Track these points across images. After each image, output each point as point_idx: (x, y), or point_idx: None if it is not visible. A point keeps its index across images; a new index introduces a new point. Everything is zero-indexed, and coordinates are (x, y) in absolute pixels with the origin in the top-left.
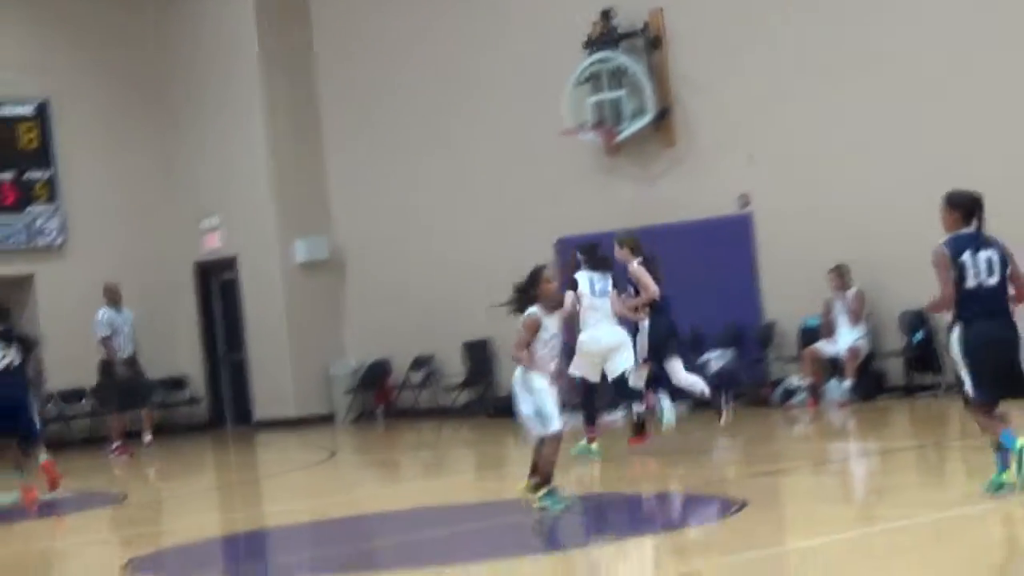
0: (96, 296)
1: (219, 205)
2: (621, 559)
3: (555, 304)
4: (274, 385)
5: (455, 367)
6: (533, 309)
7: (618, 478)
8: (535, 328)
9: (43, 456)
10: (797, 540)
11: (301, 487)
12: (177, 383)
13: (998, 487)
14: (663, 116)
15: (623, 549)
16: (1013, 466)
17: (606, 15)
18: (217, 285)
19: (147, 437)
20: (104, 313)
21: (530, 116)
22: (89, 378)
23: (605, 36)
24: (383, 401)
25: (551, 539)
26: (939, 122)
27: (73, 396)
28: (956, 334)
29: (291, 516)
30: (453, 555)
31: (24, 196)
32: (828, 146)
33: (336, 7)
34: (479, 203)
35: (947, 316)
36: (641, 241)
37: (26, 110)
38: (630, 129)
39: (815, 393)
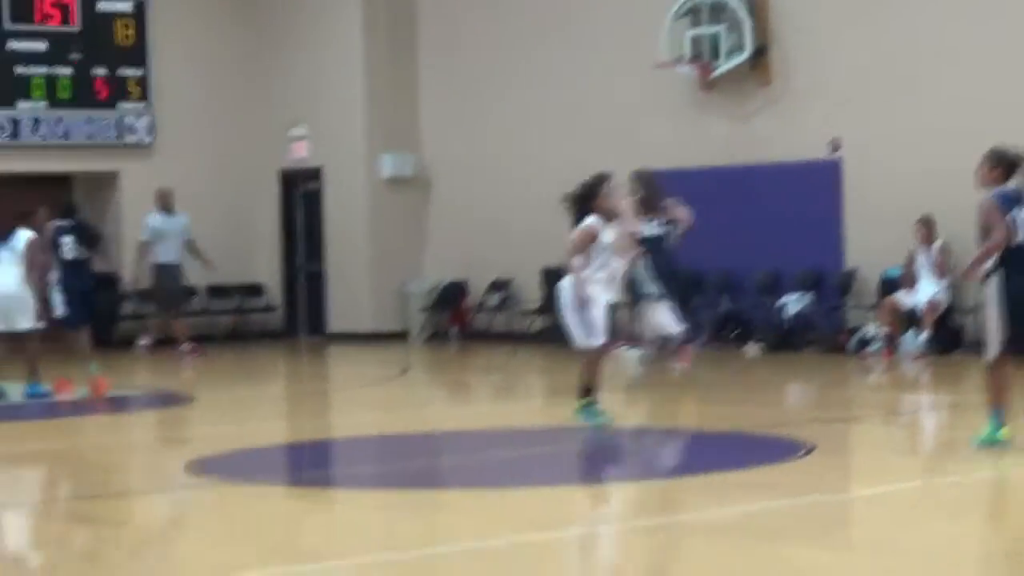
0: (182, 197)
1: (308, 115)
2: (683, 492)
3: (612, 216)
4: (350, 299)
5: (532, 292)
6: (591, 218)
7: (687, 413)
8: (591, 237)
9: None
10: (863, 487)
11: (370, 401)
12: (254, 290)
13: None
14: (760, 54)
15: (685, 484)
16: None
17: None
18: (300, 195)
19: (184, 345)
20: (152, 218)
21: (626, 46)
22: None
23: None
24: (458, 322)
25: (614, 469)
26: None
27: (149, 294)
28: (995, 285)
29: (357, 428)
30: (515, 478)
31: (116, 92)
32: (924, 97)
33: None
34: (568, 131)
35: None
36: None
37: (124, 6)
38: (726, 65)
39: (891, 344)
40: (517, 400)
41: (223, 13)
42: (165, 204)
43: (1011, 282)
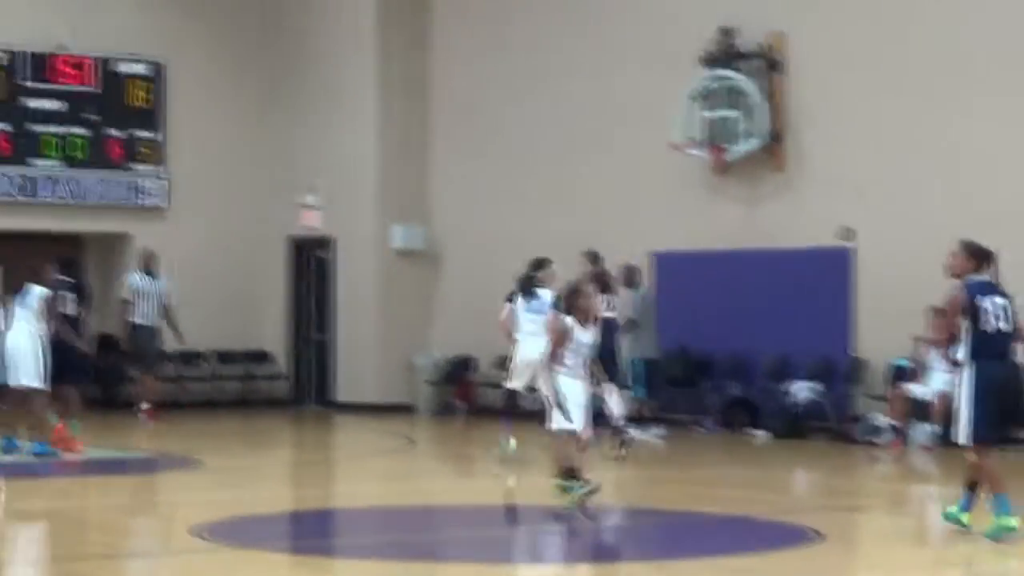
0: (193, 260)
1: (319, 183)
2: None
3: (588, 317)
4: (357, 369)
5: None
6: (566, 318)
7: (693, 496)
8: (562, 336)
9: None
10: None
11: (374, 472)
12: (261, 357)
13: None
14: (775, 140)
15: (691, 567)
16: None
17: (726, 33)
18: (309, 263)
19: (143, 404)
20: (133, 278)
21: (638, 125)
22: (165, 341)
23: (723, 54)
24: (464, 396)
25: (621, 550)
26: None
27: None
28: (968, 374)
29: (361, 499)
30: (514, 555)
31: (130, 154)
32: (936, 189)
33: (460, 3)
34: (580, 209)
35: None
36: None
37: (141, 69)
38: (741, 150)
39: (900, 434)
40: (521, 475)
41: (238, 80)
42: (147, 265)
43: (983, 369)
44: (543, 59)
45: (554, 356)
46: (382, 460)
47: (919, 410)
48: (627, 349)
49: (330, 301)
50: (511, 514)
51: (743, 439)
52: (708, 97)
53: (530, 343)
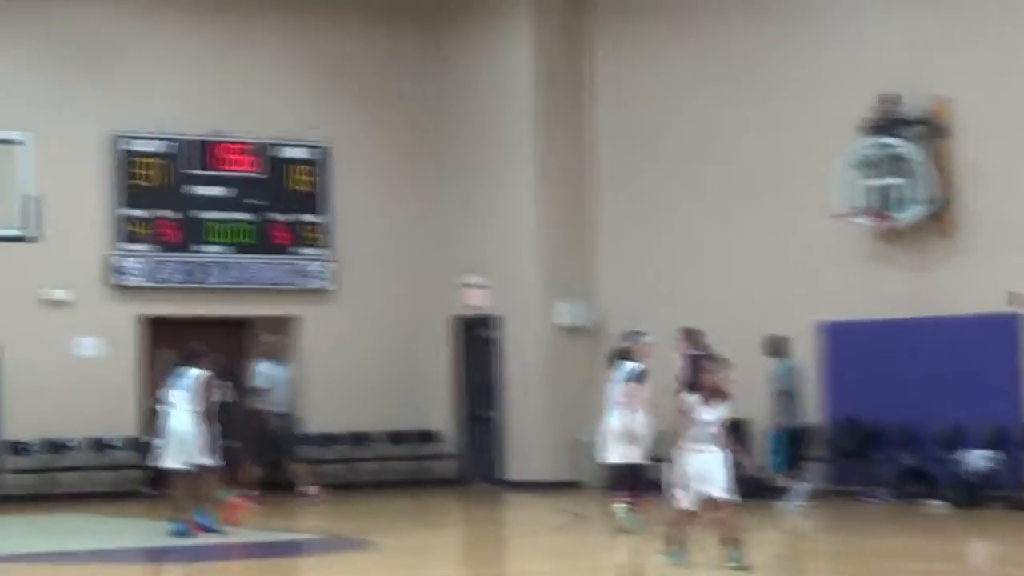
0: (360, 341)
1: (483, 262)
2: None
3: (714, 394)
4: (524, 446)
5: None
6: (691, 396)
7: (874, 569)
8: (687, 413)
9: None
10: None
11: (544, 548)
12: (429, 436)
13: None
14: (942, 206)
15: None
16: None
17: (888, 100)
18: (476, 341)
19: (309, 489)
20: (261, 366)
21: (799, 195)
22: (347, 423)
23: (885, 121)
24: None
25: None
26: None
27: (326, 440)
28: None
29: None
30: None
31: (296, 239)
32: None
33: (614, 73)
34: (745, 282)
35: None
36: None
37: (305, 154)
38: (907, 217)
39: None
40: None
41: (401, 161)
42: (272, 353)
43: None
44: (704, 134)
45: (677, 434)
46: (551, 537)
47: None
48: (773, 419)
49: (496, 379)
50: None
51: (918, 509)
52: (870, 165)
53: (615, 414)
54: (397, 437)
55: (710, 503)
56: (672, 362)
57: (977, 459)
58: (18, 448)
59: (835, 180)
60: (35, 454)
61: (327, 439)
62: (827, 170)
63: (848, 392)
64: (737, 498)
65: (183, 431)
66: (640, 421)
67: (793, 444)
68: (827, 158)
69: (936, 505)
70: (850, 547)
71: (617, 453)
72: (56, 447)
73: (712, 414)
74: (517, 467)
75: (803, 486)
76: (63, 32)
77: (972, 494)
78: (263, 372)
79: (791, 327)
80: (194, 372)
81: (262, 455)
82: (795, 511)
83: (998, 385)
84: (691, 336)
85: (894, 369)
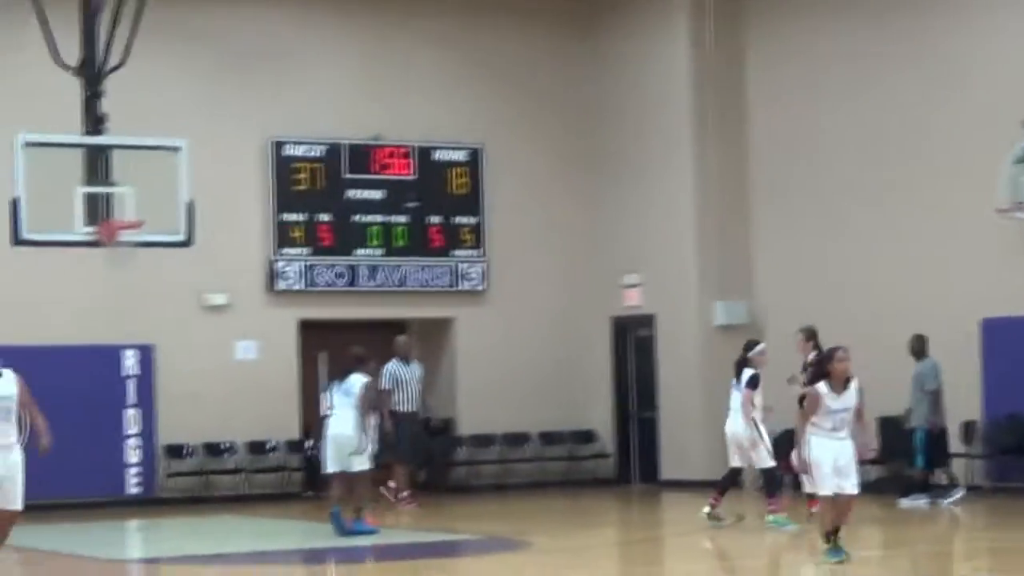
0: (514, 342)
1: (640, 262)
2: None
3: (842, 383)
4: (682, 445)
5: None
6: (819, 385)
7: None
8: (814, 403)
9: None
10: None
11: (703, 549)
12: (585, 436)
13: None
14: None
15: None
16: None
17: None
18: (632, 341)
19: (402, 493)
20: (390, 367)
21: (961, 190)
22: (504, 424)
23: None
24: (791, 468)
25: None
26: None
27: (483, 440)
28: None
29: None
30: None
31: (450, 241)
32: None
33: (771, 71)
34: (901, 276)
35: None
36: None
37: (459, 155)
38: None
39: None
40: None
41: (555, 163)
42: (401, 353)
43: None
44: (861, 129)
45: (805, 423)
46: (707, 536)
47: None
48: (916, 419)
49: (653, 379)
50: None
51: None
52: None
53: (728, 419)
54: (553, 437)
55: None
56: (797, 360)
57: None
58: (176, 451)
59: (998, 175)
60: (193, 457)
61: (483, 440)
62: (989, 167)
63: (1009, 388)
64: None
65: (344, 436)
66: (756, 425)
67: (939, 443)
68: (990, 155)
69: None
70: (1011, 543)
71: (736, 458)
72: (214, 450)
73: (840, 403)
74: (674, 466)
75: (955, 485)
76: (221, 40)
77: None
78: (390, 371)
79: (952, 324)
80: (355, 377)
81: (399, 454)
82: (948, 508)
83: None
84: (810, 334)
85: None
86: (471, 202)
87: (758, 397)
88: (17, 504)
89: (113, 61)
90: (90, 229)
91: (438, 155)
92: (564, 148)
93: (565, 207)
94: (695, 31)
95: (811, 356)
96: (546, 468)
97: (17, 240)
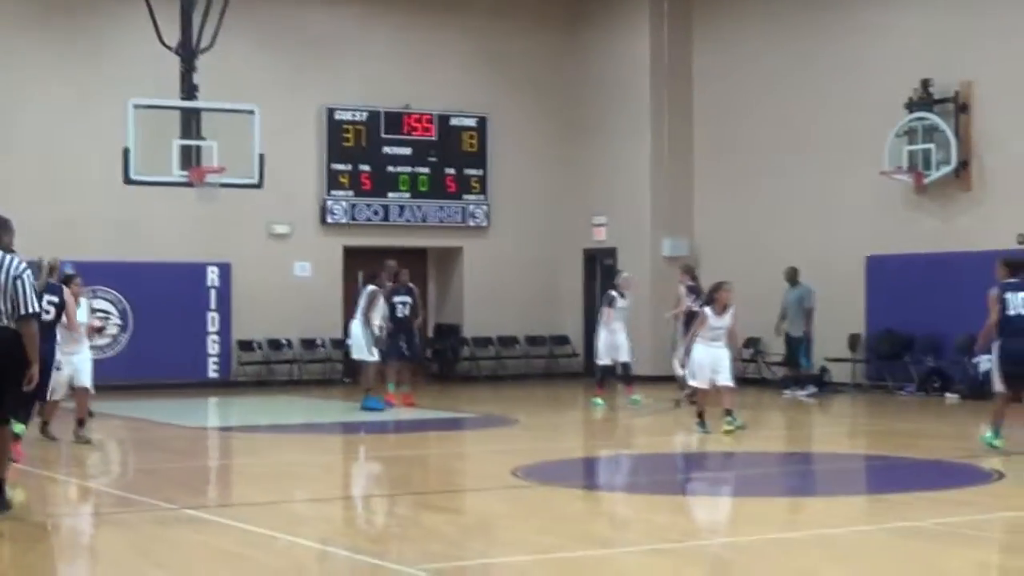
0: (510, 266)
1: (606, 206)
2: (906, 506)
3: (722, 308)
4: (635, 346)
5: (778, 348)
6: (706, 308)
7: (899, 445)
8: (702, 320)
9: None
10: None
11: (649, 427)
12: (562, 339)
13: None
14: (964, 166)
15: (907, 498)
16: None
17: (925, 84)
18: (599, 268)
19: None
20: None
21: (855, 156)
22: (499, 329)
23: (923, 100)
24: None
25: (847, 486)
26: None
27: (483, 342)
28: (995, 348)
29: (639, 448)
30: (763, 490)
31: (461, 187)
32: None
33: (712, 58)
34: (810, 222)
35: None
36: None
37: (470, 122)
38: (936, 174)
39: None
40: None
41: (544, 125)
42: (393, 278)
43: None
44: (780, 105)
45: (692, 335)
46: (653, 419)
47: None
48: (796, 330)
49: None
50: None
51: (937, 401)
52: (910, 133)
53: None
54: (536, 340)
55: (716, 388)
56: (676, 291)
57: (983, 362)
58: (246, 345)
59: (884, 145)
60: (259, 350)
61: (483, 341)
62: (877, 138)
63: (887, 309)
64: (735, 384)
65: (354, 334)
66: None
67: (806, 349)
68: (879, 129)
69: (951, 397)
70: (883, 428)
71: (608, 357)
72: (276, 345)
73: (719, 322)
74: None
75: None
76: (287, 29)
77: (979, 389)
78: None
79: (844, 259)
80: (367, 288)
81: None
82: (806, 399)
83: None
84: (688, 270)
85: (924, 293)
86: (478, 158)
87: (615, 314)
88: (87, 384)
89: (204, 43)
90: (183, 173)
91: (454, 121)
92: (551, 117)
93: (550, 163)
94: (654, 27)
95: (688, 285)
96: (531, 364)
97: (127, 180)
